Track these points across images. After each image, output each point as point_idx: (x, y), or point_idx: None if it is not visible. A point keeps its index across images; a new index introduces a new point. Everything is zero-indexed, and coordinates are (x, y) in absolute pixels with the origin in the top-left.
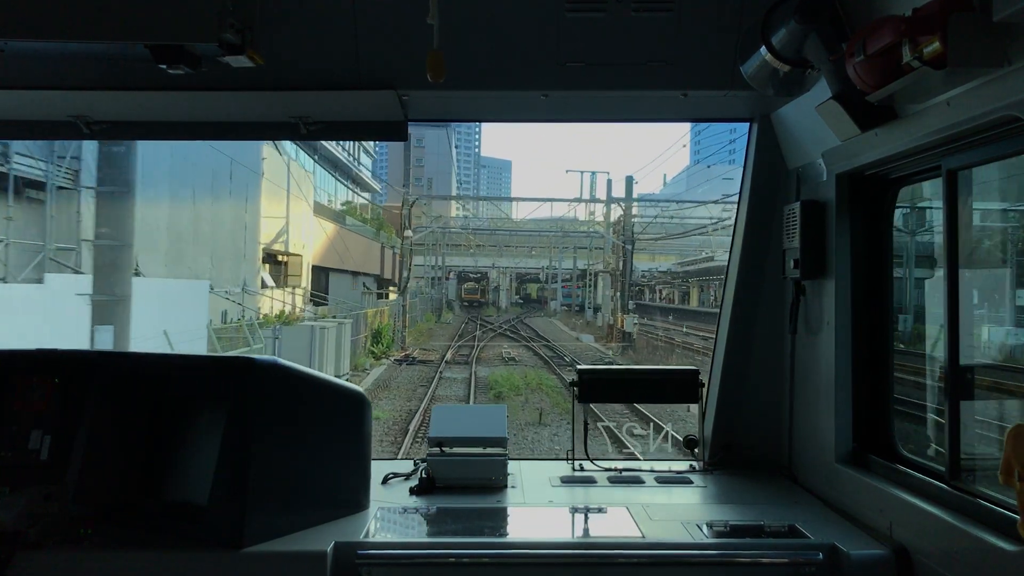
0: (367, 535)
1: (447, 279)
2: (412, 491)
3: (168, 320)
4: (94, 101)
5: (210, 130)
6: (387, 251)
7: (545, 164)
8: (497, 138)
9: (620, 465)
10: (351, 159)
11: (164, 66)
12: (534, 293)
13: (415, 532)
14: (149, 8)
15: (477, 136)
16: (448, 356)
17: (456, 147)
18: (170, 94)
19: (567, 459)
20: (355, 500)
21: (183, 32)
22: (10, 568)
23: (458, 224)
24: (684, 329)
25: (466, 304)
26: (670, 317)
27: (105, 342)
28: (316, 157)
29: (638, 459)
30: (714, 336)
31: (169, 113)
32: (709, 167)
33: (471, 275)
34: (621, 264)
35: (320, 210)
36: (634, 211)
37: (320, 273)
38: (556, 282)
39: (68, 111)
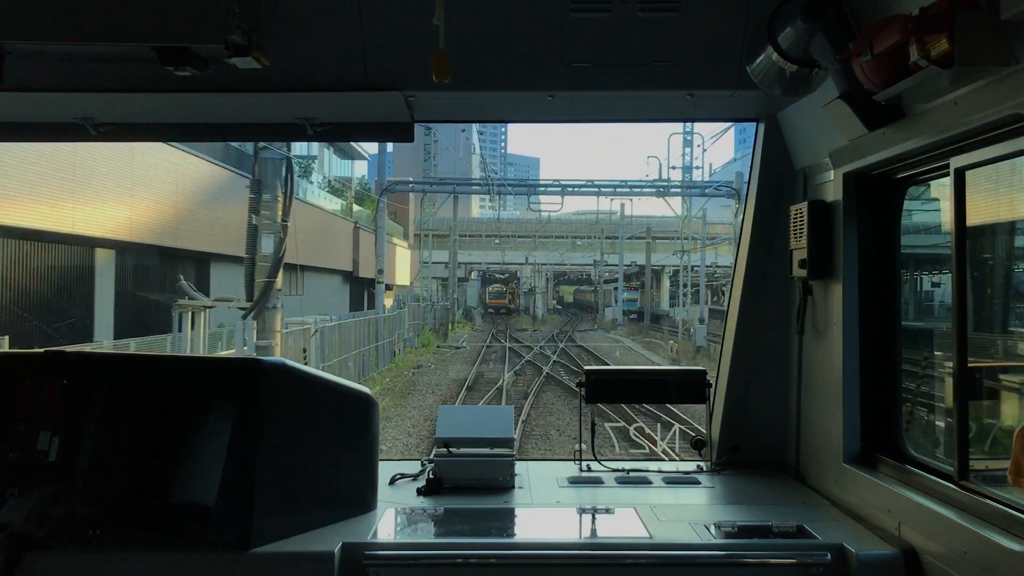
0: (374, 536)
1: (468, 279)
2: (419, 492)
3: None
4: (101, 103)
5: (216, 131)
6: (369, 238)
7: (573, 165)
8: (524, 135)
9: (627, 466)
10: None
11: (171, 68)
12: (569, 296)
13: (422, 533)
14: (155, 10)
15: (503, 132)
16: None
17: (480, 143)
18: (176, 96)
19: (574, 460)
20: (362, 501)
21: (189, 34)
22: (19, 569)
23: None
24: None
25: (491, 311)
26: None
27: None
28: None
29: (645, 460)
30: (721, 336)
31: (176, 115)
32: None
33: (497, 275)
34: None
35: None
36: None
37: (157, 259)
38: (616, 282)
39: (75, 113)
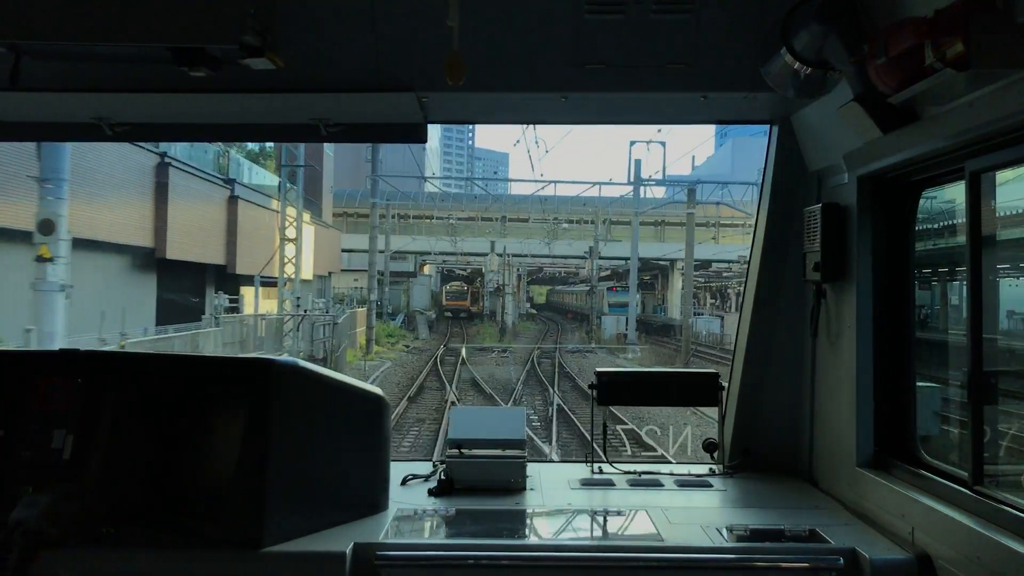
0: (386, 536)
1: (418, 275)
2: (431, 492)
3: None
4: (116, 103)
5: (230, 132)
6: (262, 216)
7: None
8: (493, 129)
9: (639, 468)
10: None
11: (185, 68)
12: (542, 297)
13: (434, 534)
14: (170, 10)
15: (471, 127)
16: None
17: (446, 137)
18: (191, 96)
19: (586, 461)
20: (374, 501)
21: (204, 34)
22: (33, 566)
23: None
24: None
25: (448, 314)
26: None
27: None
28: None
29: (657, 462)
30: (734, 339)
31: (190, 115)
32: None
33: (458, 271)
34: None
35: None
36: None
37: None
38: (612, 280)
39: (91, 113)
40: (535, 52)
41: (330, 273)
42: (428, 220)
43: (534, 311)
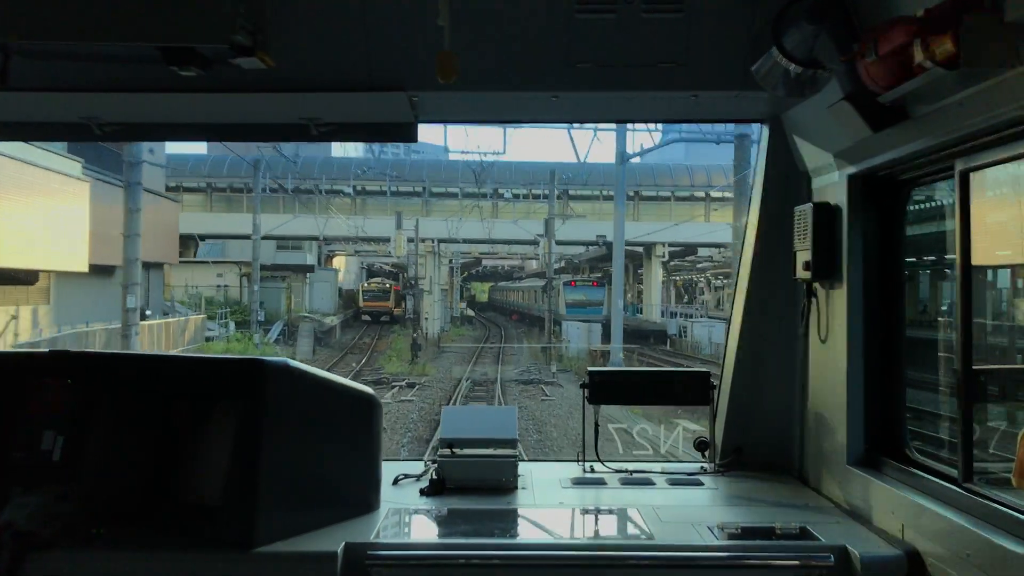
0: (377, 536)
1: (316, 270)
2: (422, 492)
3: None
4: (105, 103)
5: (220, 132)
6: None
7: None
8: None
9: (631, 467)
10: None
11: (175, 68)
12: (483, 294)
13: (425, 533)
14: (160, 10)
15: None
16: None
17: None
18: (181, 96)
19: (578, 460)
20: (365, 501)
21: (194, 34)
22: (23, 568)
23: None
24: None
25: (367, 318)
26: None
27: None
28: None
29: (649, 461)
30: (725, 338)
31: (180, 115)
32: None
33: (380, 266)
34: None
35: None
36: None
37: None
38: (566, 275)
39: (80, 113)
40: (526, 51)
41: (149, 265)
42: (316, 194)
43: (471, 312)
